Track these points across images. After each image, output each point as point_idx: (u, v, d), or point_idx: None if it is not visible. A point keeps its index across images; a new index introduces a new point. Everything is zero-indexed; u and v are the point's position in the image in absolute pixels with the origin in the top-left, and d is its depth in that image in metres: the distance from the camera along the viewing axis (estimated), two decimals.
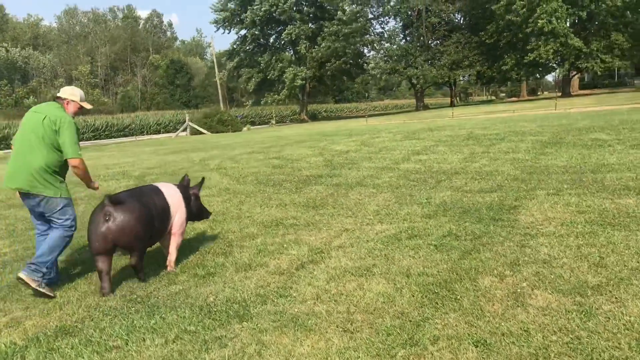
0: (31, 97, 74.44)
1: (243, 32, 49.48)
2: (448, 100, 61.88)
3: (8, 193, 8.91)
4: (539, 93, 70.51)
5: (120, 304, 4.00)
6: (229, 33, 51.32)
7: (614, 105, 23.43)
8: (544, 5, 38.76)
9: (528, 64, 42.80)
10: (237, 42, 50.61)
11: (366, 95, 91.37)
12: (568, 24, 41.93)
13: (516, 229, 5.15)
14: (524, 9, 39.40)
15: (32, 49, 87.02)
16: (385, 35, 50.79)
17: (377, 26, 52.60)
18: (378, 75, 48.10)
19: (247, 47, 49.98)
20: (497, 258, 4.36)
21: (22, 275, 4.16)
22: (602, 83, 59.29)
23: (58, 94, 4.63)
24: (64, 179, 4.55)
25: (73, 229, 4.53)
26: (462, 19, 54.14)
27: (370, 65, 49.62)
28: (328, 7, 47.93)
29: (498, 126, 15.69)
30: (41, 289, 4.19)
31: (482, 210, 5.98)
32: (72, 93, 4.63)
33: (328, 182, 8.58)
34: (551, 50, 40.29)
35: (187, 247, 5.32)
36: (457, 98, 71.79)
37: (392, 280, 4.05)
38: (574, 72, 47.54)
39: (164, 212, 4.63)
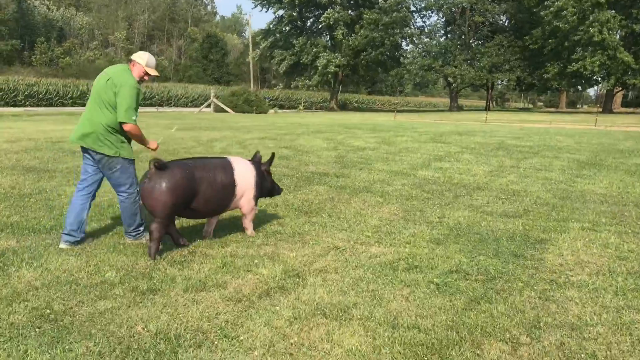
0: (67, 57, 74.64)
1: (281, 12, 48.45)
2: (484, 103, 60.13)
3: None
4: (578, 106, 68.20)
5: (25, 320, 3.15)
6: (266, 11, 50.24)
7: None
8: (597, 14, 36.84)
9: (571, 74, 40.95)
10: (274, 22, 49.57)
11: (401, 89, 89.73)
12: (619, 37, 39.95)
13: (540, 272, 4.19)
14: (575, 16, 37.51)
15: (74, 9, 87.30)
16: (426, 30, 49.27)
17: (419, 19, 51.08)
18: (414, 71, 46.67)
19: (283, 28, 48.96)
20: (513, 314, 3.40)
21: (130, 241, 4.59)
22: None
23: (131, 57, 4.64)
24: (128, 140, 4.57)
25: (134, 187, 4.58)
26: (507, 21, 52.23)
27: (407, 59, 48.22)
28: None
29: (532, 138, 14.57)
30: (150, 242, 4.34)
31: (502, 240, 5.01)
32: (139, 56, 4.60)
33: (333, 182, 7.65)
34: (597, 63, 38.43)
35: (143, 248, 4.47)
36: (494, 102, 69.88)
37: (372, 331, 3.14)
38: (619, 88, 45.44)
39: (226, 189, 4.58)
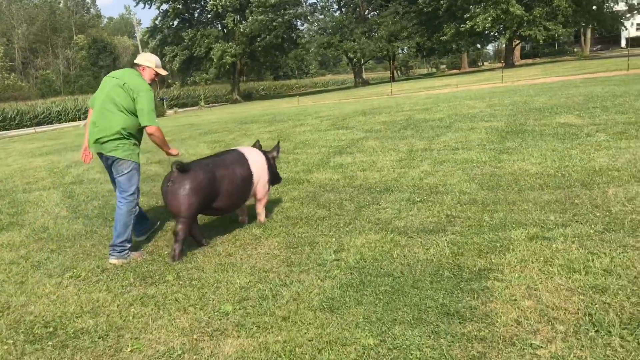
0: None
1: (165, 6, 45.32)
2: (389, 74, 59.54)
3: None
4: (479, 64, 69.20)
5: None
6: (149, 8, 46.84)
7: (563, 76, 21.55)
8: None
9: (468, 33, 40.67)
10: (159, 18, 46.39)
11: (306, 71, 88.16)
12: None
13: (492, 350, 2.57)
14: None
15: None
16: (319, 7, 47.63)
17: None
18: (312, 50, 45.05)
19: (171, 23, 45.91)
20: None
21: (113, 261, 4.32)
22: (542, 52, 58.25)
23: (135, 61, 4.62)
24: (138, 144, 4.54)
25: (135, 196, 4.52)
26: None
27: (304, 39, 46.48)
28: None
29: (441, 107, 13.25)
30: (140, 259, 4.37)
31: (424, 284, 3.37)
32: (147, 59, 4.58)
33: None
34: (489, 19, 38.22)
35: None
36: (398, 72, 69.62)
37: None
38: (517, 41, 45.81)
39: (245, 182, 4.64)
